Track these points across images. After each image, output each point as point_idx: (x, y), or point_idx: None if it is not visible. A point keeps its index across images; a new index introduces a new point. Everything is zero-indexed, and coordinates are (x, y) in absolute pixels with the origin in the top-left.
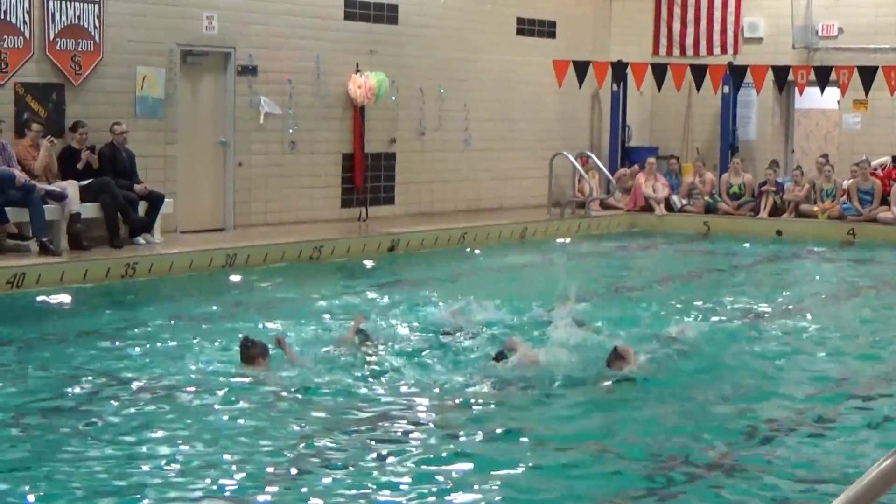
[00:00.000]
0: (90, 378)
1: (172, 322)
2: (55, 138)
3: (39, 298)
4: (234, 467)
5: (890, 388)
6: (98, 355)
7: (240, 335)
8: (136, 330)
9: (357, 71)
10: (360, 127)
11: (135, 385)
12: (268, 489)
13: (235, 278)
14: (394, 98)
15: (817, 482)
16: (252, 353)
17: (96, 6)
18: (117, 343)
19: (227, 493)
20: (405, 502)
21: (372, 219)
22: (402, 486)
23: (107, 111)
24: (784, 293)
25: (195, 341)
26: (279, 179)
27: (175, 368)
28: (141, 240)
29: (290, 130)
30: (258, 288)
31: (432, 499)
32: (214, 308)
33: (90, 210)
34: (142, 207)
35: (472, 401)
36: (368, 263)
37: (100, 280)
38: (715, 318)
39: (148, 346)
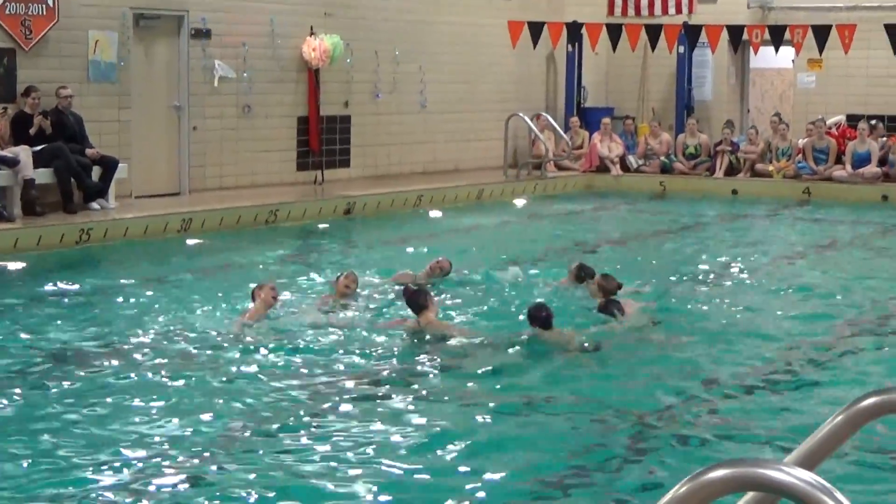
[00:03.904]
0: (45, 345)
1: (128, 287)
2: (6, 104)
3: None
4: (191, 431)
5: (843, 345)
6: (53, 321)
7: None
8: (91, 295)
9: (312, 34)
10: (315, 90)
11: (91, 350)
12: (226, 452)
13: (191, 242)
14: (349, 61)
15: (772, 439)
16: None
17: None
18: (73, 309)
19: (186, 456)
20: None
21: (328, 182)
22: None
23: (59, 76)
24: (739, 252)
25: (151, 306)
26: (234, 143)
27: (132, 333)
28: (95, 205)
29: (245, 94)
30: (214, 252)
31: (382, 462)
32: (171, 273)
33: (44, 176)
34: (96, 173)
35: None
36: (325, 227)
37: (54, 246)
38: (670, 278)
39: (104, 311)
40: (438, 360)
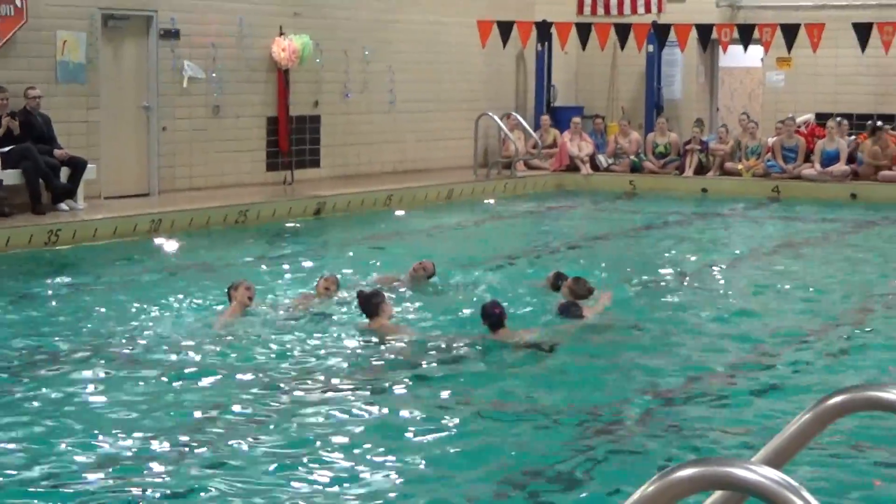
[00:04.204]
0: (14, 346)
1: (97, 288)
2: None
3: None
4: (163, 432)
5: (812, 343)
6: (22, 323)
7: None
8: (60, 297)
9: (281, 34)
10: (284, 90)
11: (61, 352)
12: (196, 452)
13: (160, 243)
14: (318, 60)
15: (740, 438)
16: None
17: None
18: (42, 311)
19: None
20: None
21: (297, 182)
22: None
23: (27, 76)
24: (709, 251)
25: (121, 307)
26: (204, 144)
27: (102, 335)
28: (64, 206)
29: (215, 94)
30: (184, 253)
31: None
32: (140, 274)
33: (12, 177)
34: (64, 173)
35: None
36: (295, 227)
37: (22, 247)
38: (639, 277)
39: (74, 312)
40: (386, 362)
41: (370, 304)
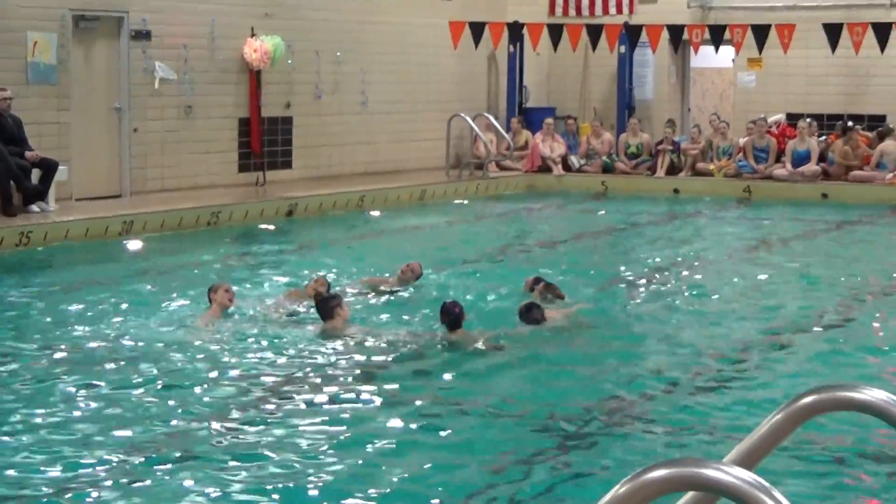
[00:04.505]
0: None
1: (70, 290)
2: None
3: None
4: (137, 434)
5: (783, 343)
6: None
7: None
8: (31, 299)
9: (252, 35)
10: (256, 91)
11: (33, 354)
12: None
13: (132, 245)
14: (290, 62)
15: (711, 438)
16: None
17: None
18: (13, 312)
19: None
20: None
21: (270, 183)
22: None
23: None
24: (681, 251)
25: (93, 309)
26: (175, 145)
27: (74, 337)
28: (35, 208)
29: (186, 95)
30: (156, 254)
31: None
32: (112, 275)
33: None
34: (35, 175)
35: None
36: (267, 228)
37: None
38: (611, 278)
39: (45, 314)
40: (338, 364)
41: (326, 307)
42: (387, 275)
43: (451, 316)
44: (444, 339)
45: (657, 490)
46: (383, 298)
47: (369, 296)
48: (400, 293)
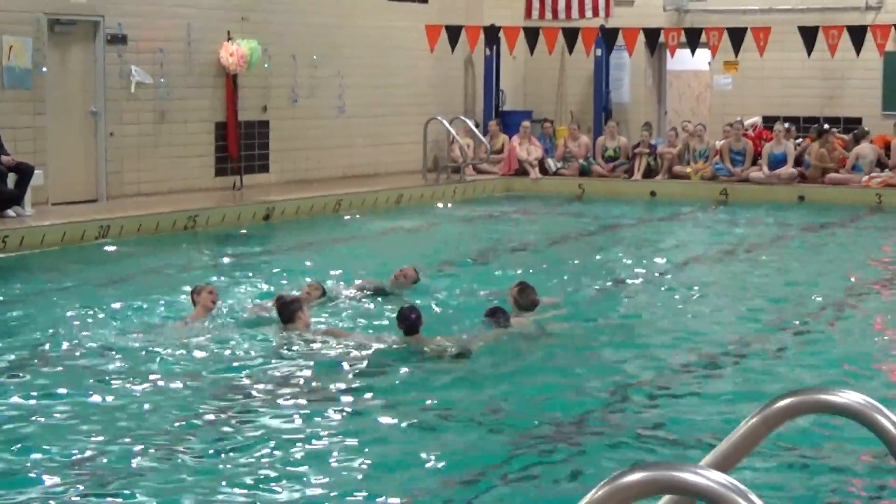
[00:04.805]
0: None
1: (46, 295)
2: None
3: None
4: (122, 439)
5: (760, 346)
6: None
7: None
8: (8, 304)
9: (229, 39)
10: (232, 95)
11: (11, 360)
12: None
13: (109, 249)
14: (266, 65)
15: (686, 441)
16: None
17: None
18: None
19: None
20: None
21: (247, 187)
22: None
23: None
24: (657, 254)
25: (71, 314)
26: (152, 149)
27: (53, 342)
28: (11, 212)
29: (163, 99)
30: (132, 259)
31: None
32: (89, 280)
33: None
34: (11, 180)
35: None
36: (244, 232)
37: None
38: (588, 281)
39: (22, 320)
40: (297, 367)
41: (287, 310)
42: (382, 280)
43: (408, 322)
44: (400, 343)
45: (634, 493)
46: (371, 304)
47: (362, 300)
48: (391, 298)
